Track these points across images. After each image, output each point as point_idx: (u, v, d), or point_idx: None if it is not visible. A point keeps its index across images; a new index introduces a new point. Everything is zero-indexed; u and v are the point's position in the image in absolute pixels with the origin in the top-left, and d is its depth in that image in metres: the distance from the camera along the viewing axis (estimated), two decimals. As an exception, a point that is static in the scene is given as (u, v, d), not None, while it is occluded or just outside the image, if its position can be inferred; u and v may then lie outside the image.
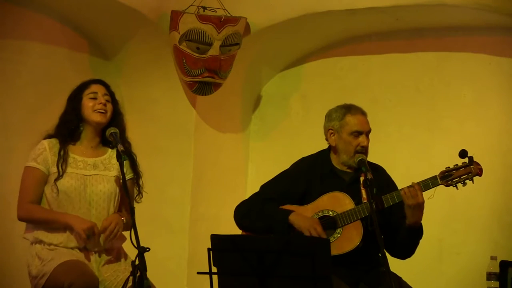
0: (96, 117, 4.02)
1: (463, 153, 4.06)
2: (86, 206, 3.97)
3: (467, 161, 4.11)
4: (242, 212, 4.33)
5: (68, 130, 4.03)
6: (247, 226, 4.30)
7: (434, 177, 4.12)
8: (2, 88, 5.16)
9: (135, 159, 4.15)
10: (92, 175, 4.01)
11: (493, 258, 5.03)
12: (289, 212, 4.19)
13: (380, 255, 3.77)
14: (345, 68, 6.01)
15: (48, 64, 5.40)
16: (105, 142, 4.11)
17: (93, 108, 4.02)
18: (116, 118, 4.11)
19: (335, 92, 6.00)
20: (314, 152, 4.44)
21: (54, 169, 3.97)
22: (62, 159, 3.97)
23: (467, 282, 5.43)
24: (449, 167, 4.13)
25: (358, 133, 4.22)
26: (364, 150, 4.21)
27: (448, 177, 4.11)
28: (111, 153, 4.10)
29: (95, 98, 4.04)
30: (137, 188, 4.13)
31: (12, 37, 5.20)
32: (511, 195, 5.18)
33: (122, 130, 4.10)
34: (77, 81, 5.61)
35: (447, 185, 4.13)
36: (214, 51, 5.37)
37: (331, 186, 4.21)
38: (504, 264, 5.01)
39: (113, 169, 4.07)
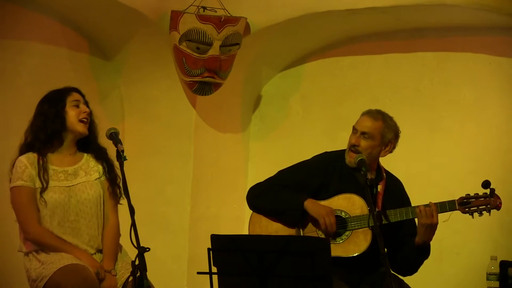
0: (81, 128, 3.98)
1: (486, 184, 4.06)
2: (73, 217, 3.94)
3: (488, 192, 4.11)
4: (256, 193, 4.31)
5: (49, 138, 3.97)
6: (259, 207, 4.28)
7: (453, 202, 4.12)
8: (2, 88, 5.16)
9: (112, 163, 4.07)
10: (74, 184, 3.97)
11: (493, 258, 5.03)
12: (305, 198, 4.16)
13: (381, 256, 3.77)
14: (345, 68, 6.01)
15: (48, 64, 5.40)
16: (80, 148, 4.08)
17: (77, 117, 3.98)
18: (91, 126, 4.07)
19: (335, 92, 6.01)
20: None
21: (38, 184, 3.92)
22: (43, 170, 3.92)
23: (467, 282, 5.43)
24: (469, 195, 4.13)
25: (354, 131, 4.22)
26: (355, 150, 4.17)
27: (466, 205, 4.12)
28: (87, 157, 4.08)
29: (77, 106, 4.00)
30: (118, 190, 4.06)
31: (12, 37, 5.20)
32: (511, 195, 5.17)
33: (95, 137, 4.07)
34: (77, 81, 5.63)
35: (464, 212, 4.14)
36: (214, 51, 5.37)
37: (348, 186, 4.19)
38: (504, 264, 5.01)
39: (94, 172, 4.05)
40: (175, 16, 5.35)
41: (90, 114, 4.07)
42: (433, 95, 5.73)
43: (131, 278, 3.51)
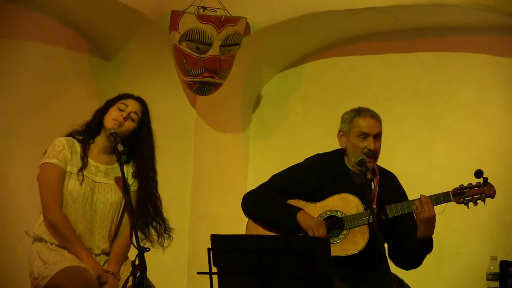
0: (109, 123, 3.98)
1: (478, 173, 4.06)
2: (91, 213, 3.97)
3: (481, 182, 4.11)
4: (251, 200, 4.31)
5: (91, 126, 4.03)
6: (254, 215, 4.29)
7: (447, 193, 4.12)
8: (2, 88, 5.16)
9: (146, 186, 4.13)
10: (101, 183, 4.01)
11: (493, 258, 5.03)
12: (298, 210, 4.17)
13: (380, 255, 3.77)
14: (345, 68, 6.01)
15: (48, 64, 5.40)
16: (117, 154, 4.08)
17: (112, 117, 3.99)
18: (136, 140, 4.06)
19: (335, 92, 6.01)
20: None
21: (69, 168, 3.95)
22: (84, 154, 3.97)
23: (467, 282, 5.43)
24: (462, 185, 4.13)
25: (365, 135, 4.18)
26: (372, 154, 4.16)
27: (461, 195, 4.11)
28: (125, 167, 4.07)
29: (122, 110, 4.02)
30: (161, 224, 4.14)
31: (12, 37, 5.20)
32: (511, 195, 5.17)
33: (142, 158, 4.09)
34: (77, 81, 5.63)
35: (459, 203, 4.13)
36: (214, 51, 5.37)
37: (342, 187, 4.20)
38: (504, 264, 5.01)
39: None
40: (175, 16, 5.35)
41: (143, 127, 4.07)
42: (433, 95, 5.73)
43: (131, 279, 3.52)
